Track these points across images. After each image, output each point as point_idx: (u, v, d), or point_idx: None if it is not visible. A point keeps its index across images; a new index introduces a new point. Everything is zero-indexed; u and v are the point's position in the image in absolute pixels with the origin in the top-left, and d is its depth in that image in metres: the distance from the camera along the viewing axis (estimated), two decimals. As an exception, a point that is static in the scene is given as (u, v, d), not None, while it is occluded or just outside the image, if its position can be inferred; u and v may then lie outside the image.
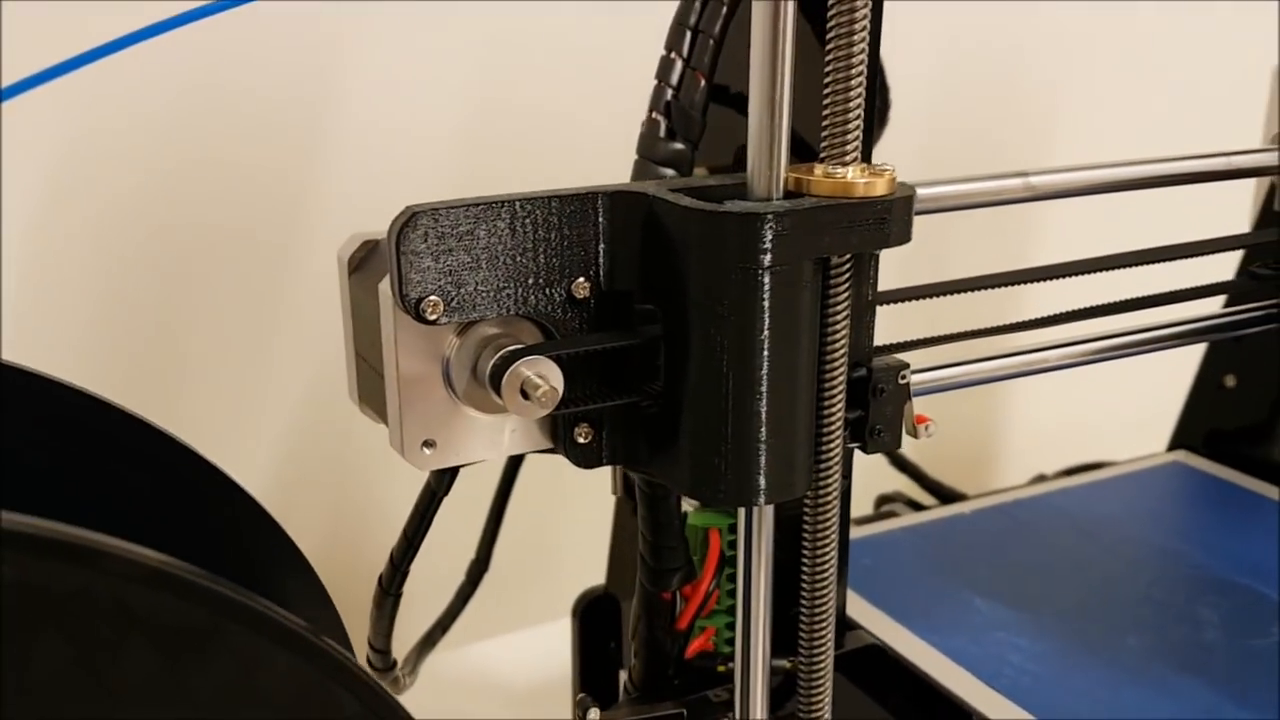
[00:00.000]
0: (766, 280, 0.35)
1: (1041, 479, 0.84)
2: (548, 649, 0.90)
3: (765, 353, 0.36)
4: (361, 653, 0.52)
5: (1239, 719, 0.54)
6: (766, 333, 0.36)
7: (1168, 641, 0.61)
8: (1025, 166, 0.46)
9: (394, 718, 0.26)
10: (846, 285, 0.38)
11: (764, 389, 0.36)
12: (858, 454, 0.87)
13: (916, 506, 0.82)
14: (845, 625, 0.54)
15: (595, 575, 0.76)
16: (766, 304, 0.35)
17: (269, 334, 0.80)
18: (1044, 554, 0.70)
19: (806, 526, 0.40)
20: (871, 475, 0.91)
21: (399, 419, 0.37)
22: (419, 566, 0.89)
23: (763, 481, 0.37)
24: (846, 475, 0.42)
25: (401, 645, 0.64)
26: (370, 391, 0.40)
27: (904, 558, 0.70)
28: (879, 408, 0.41)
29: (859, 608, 0.62)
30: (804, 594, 0.41)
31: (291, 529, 0.66)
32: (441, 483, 0.46)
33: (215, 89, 0.72)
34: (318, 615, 0.40)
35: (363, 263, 0.39)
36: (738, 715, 0.41)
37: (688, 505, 0.53)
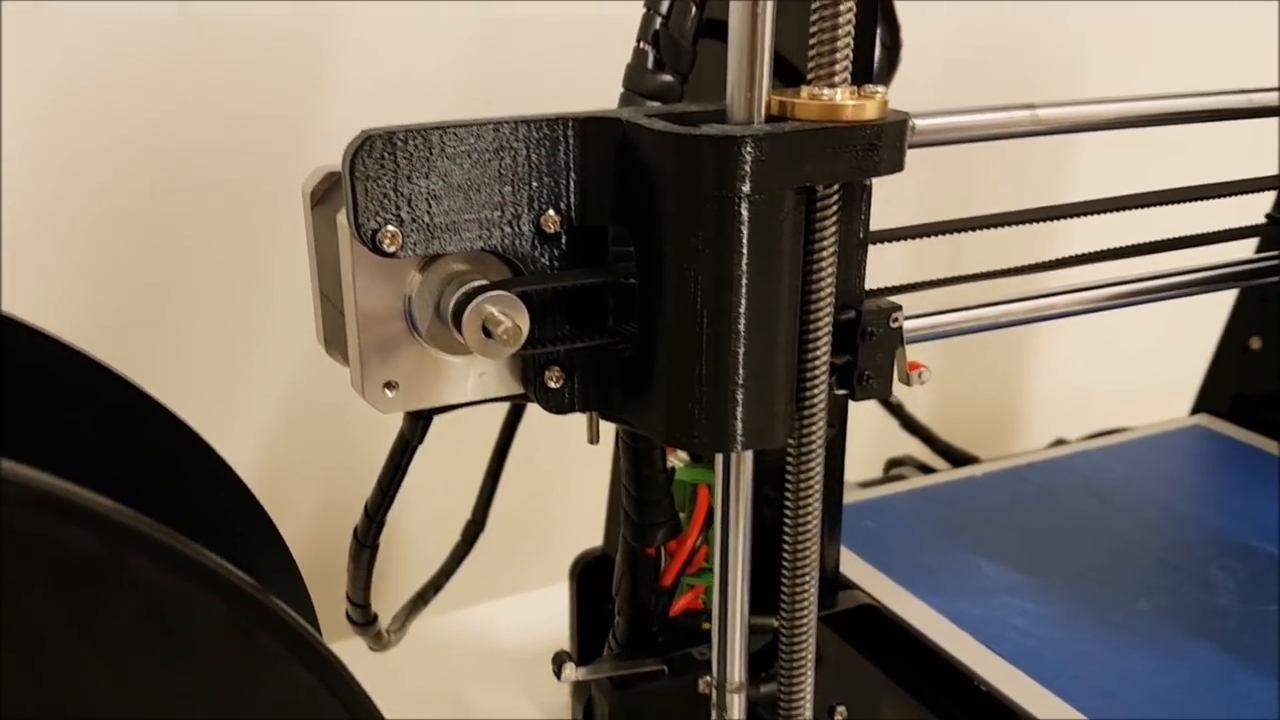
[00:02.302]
0: (745, 210, 0.33)
1: (1060, 444, 0.81)
2: (550, 612, 0.89)
3: (743, 290, 0.34)
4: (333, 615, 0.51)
5: (1250, 685, 0.52)
6: (744, 268, 0.34)
7: (1180, 606, 0.58)
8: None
9: (318, 658, 0.24)
10: (833, 219, 0.35)
11: (741, 329, 0.34)
12: (870, 417, 0.85)
13: (928, 471, 0.80)
14: (839, 584, 0.52)
15: (596, 537, 0.74)
16: (745, 237, 0.33)
17: (265, 291, 0.79)
18: (1056, 518, 0.68)
19: (789, 476, 0.38)
20: (884, 439, 0.89)
21: (359, 359, 0.35)
22: (417, 527, 0.87)
23: (740, 427, 0.35)
24: (833, 424, 0.39)
25: (394, 606, 0.63)
26: (335, 333, 0.38)
27: (909, 520, 0.67)
28: (868, 352, 0.39)
29: (858, 569, 0.60)
30: (786, 547, 0.39)
31: (285, 498, 0.64)
32: (415, 431, 0.44)
33: (210, 40, 0.71)
34: (282, 579, 0.38)
35: (326, 195, 0.37)
36: (715, 672, 0.40)
37: (677, 461, 0.51)
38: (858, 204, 0.37)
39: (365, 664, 0.83)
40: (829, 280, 0.36)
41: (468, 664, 0.80)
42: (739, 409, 0.35)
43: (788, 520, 0.39)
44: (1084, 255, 0.43)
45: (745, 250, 0.33)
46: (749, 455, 0.38)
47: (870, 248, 0.38)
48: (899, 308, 0.39)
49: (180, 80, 0.71)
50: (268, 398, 0.81)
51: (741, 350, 0.34)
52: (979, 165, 0.95)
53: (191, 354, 0.77)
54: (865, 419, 0.85)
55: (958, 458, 0.82)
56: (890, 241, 0.39)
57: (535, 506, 0.91)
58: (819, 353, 0.37)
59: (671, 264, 0.34)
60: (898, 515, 0.68)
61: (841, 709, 0.49)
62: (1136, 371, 1.13)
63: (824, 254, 0.36)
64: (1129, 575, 0.62)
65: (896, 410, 0.83)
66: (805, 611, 0.39)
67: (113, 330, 0.74)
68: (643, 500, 0.46)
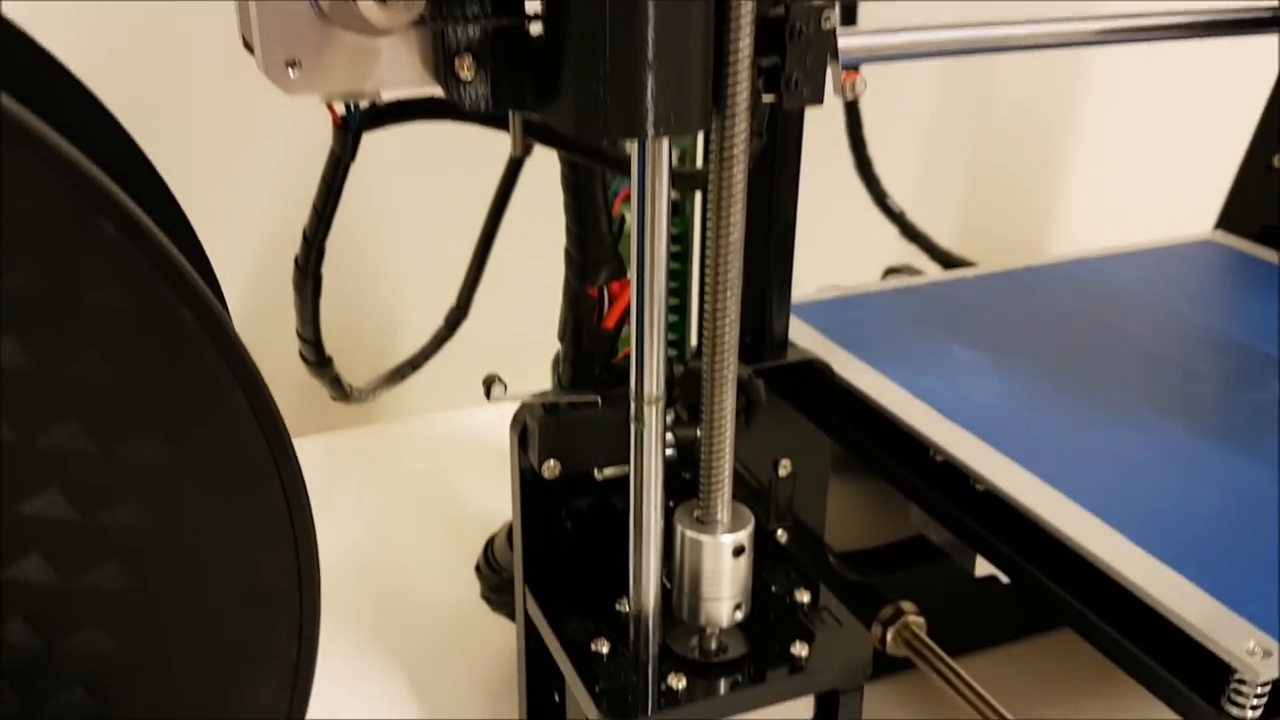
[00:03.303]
0: None
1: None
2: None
3: (649, -41, 0.32)
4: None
5: (1211, 458, 0.51)
6: (643, -66, 0.32)
7: (1153, 388, 0.57)
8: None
9: (128, 219, 0.24)
10: (753, -106, 0.33)
11: (649, 4, 0.33)
12: (873, 225, 0.83)
13: (922, 277, 0.78)
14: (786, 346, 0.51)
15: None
16: (650, -101, 0.32)
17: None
18: (1042, 313, 0.66)
19: (711, 188, 0.37)
20: (889, 252, 0.87)
21: (258, 31, 0.34)
22: (420, 321, 0.88)
23: (650, 111, 0.34)
24: (760, 134, 0.38)
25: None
26: (247, 19, 0.37)
27: (889, 312, 0.66)
28: (796, 53, 0.37)
29: (824, 347, 0.59)
30: (707, 273, 0.38)
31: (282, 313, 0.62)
32: (345, 148, 0.44)
33: None
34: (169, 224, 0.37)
35: (235, -126, 0.36)
36: (632, 384, 0.39)
37: (629, 213, 0.50)
38: (789, -111, 0.35)
39: (368, 451, 0.84)
40: (749, -35, 0.34)
41: (459, 457, 0.82)
42: (648, 92, 0.34)
43: (709, 240, 0.38)
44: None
45: (652, -85, 0.32)
46: (664, 149, 0.36)
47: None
48: (831, 6, 0.37)
49: None
50: (258, 196, 0.81)
51: (650, 27, 0.33)
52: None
53: (189, 156, 0.77)
54: (869, 227, 0.83)
55: (956, 265, 0.80)
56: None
57: (535, 318, 0.91)
58: (740, 43, 0.35)
59: (576, -68, 0.33)
60: (879, 308, 0.67)
61: (786, 462, 0.49)
62: (1172, 200, 1.08)
63: (744, -67, 0.34)
64: (1106, 362, 0.60)
65: (898, 219, 0.81)
66: (726, 350, 0.38)
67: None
68: (584, 239, 0.45)
